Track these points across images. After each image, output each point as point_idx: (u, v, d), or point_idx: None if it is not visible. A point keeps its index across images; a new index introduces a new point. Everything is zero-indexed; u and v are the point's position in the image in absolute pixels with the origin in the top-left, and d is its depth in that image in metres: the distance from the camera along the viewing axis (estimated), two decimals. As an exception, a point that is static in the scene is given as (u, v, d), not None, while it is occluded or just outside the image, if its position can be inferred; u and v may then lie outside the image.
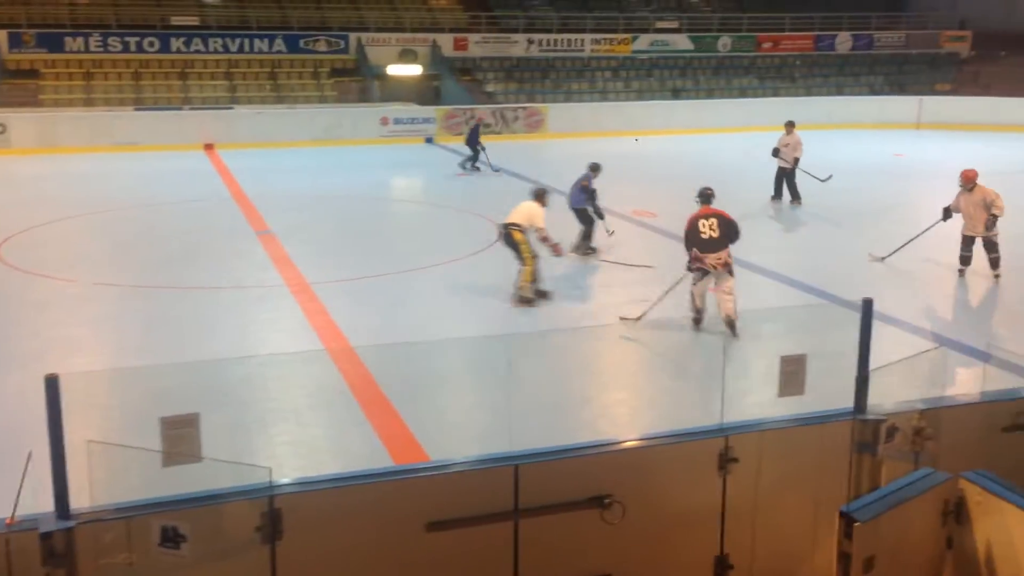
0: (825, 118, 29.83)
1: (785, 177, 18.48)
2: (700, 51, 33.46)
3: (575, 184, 14.34)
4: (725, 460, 5.27)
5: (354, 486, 4.59)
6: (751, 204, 19.06)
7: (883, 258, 13.93)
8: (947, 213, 13.33)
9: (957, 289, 13.12)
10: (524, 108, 29.31)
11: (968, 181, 13.16)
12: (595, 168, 14.44)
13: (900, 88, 33.18)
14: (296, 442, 7.87)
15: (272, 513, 4.22)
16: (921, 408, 5.37)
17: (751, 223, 17.37)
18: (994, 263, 12.95)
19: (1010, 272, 13.81)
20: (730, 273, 10.30)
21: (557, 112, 29.44)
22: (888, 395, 5.43)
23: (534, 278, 11.63)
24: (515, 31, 32.16)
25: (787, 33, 34.23)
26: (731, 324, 10.13)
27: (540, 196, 11.97)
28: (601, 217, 14.33)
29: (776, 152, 18.48)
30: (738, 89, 32.70)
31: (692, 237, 10.51)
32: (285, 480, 4.54)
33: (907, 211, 18.33)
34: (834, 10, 34.58)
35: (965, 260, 13.23)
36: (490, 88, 30.89)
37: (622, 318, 10.78)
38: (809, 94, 32.46)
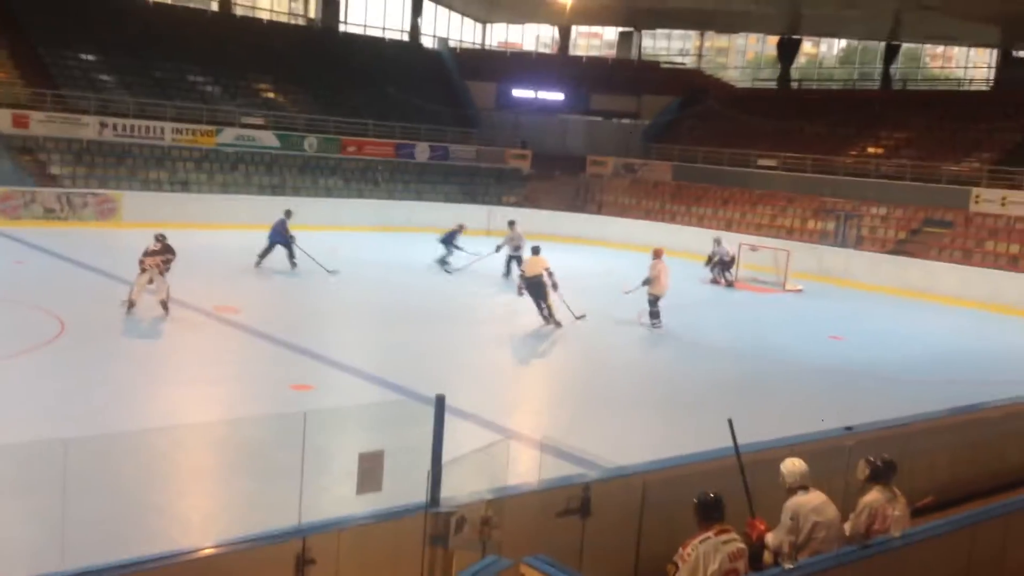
0: (405, 221, 31.42)
1: (513, 261, 22.47)
2: (287, 149, 33.71)
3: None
4: (302, 562, 5.15)
5: None
6: (339, 300, 19.38)
7: (628, 292, 18.63)
8: (646, 281, 17.99)
9: (523, 382, 14.25)
10: (95, 194, 27.34)
11: (658, 255, 18.13)
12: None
13: (472, 198, 35.93)
14: None
15: None
16: (488, 498, 5.67)
17: (332, 321, 17.67)
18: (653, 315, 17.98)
19: (568, 367, 15.35)
20: (161, 273, 15.74)
21: (133, 200, 27.82)
22: (460, 487, 5.67)
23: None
24: (85, 112, 30.07)
25: (370, 139, 35.75)
26: (164, 305, 15.61)
27: (538, 250, 18.01)
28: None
29: (499, 248, 23.10)
30: (324, 189, 33.36)
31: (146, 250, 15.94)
32: None
33: (482, 310, 19.77)
34: (413, 121, 36.86)
35: (655, 315, 17.94)
36: (55, 171, 28.43)
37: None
38: (392, 198, 34.00)
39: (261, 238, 21.97)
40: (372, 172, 35.07)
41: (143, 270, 15.80)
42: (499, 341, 16.70)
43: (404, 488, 5.60)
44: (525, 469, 8.20)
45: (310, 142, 34.24)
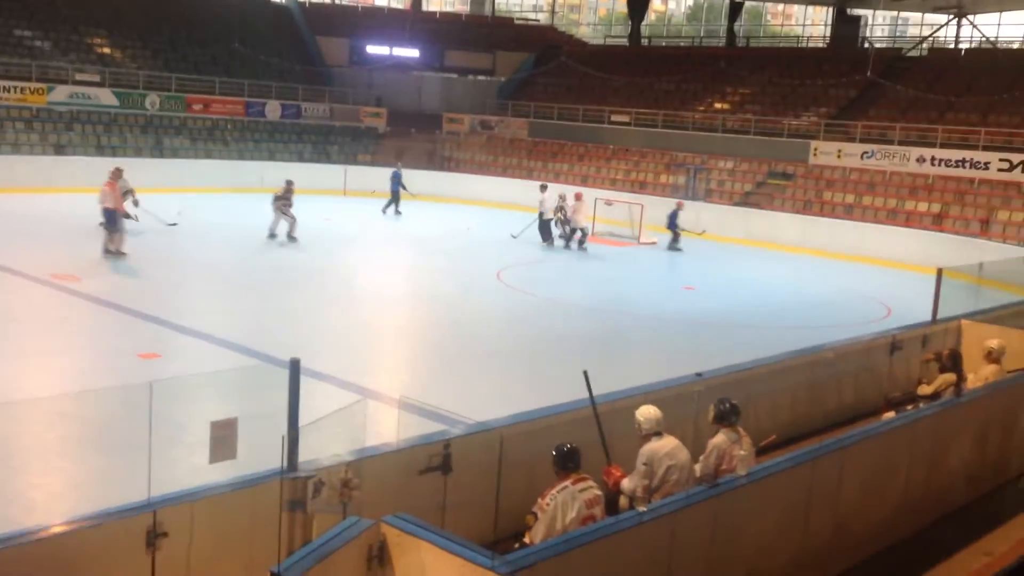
0: (258, 182, 30.47)
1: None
2: (126, 108, 32.07)
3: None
4: (154, 536, 4.98)
5: None
6: (187, 264, 18.68)
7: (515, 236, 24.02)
8: (564, 217, 24.21)
9: (381, 342, 14.16)
10: (-86, 158, 25.40)
11: (577, 198, 24.29)
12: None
13: (327, 157, 35.23)
14: None
15: None
16: (348, 460, 5.62)
17: (180, 286, 17.07)
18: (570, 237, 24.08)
19: (426, 325, 15.34)
20: (284, 214, 21.46)
21: (-42, 164, 25.98)
22: (319, 450, 5.60)
23: None
24: (-100, 69, 27.78)
25: (218, 97, 34.41)
26: (291, 236, 21.35)
27: (289, 184, 22.15)
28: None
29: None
30: (170, 149, 31.98)
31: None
32: None
33: (338, 271, 19.47)
34: (262, 79, 35.66)
35: (581, 242, 23.88)
36: None
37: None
38: (242, 158, 32.92)
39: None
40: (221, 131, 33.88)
41: (273, 211, 21.41)
42: (355, 302, 16.53)
43: (261, 455, 5.48)
44: (386, 429, 8.15)
45: (152, 100, 32.68)
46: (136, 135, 31.70)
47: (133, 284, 16.40)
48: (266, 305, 15.64)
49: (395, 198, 28.41)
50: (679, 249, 25.06)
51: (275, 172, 31.58)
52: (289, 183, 22.05)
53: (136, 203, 20.58)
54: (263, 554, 5.12)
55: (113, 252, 18.00)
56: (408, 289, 18.51)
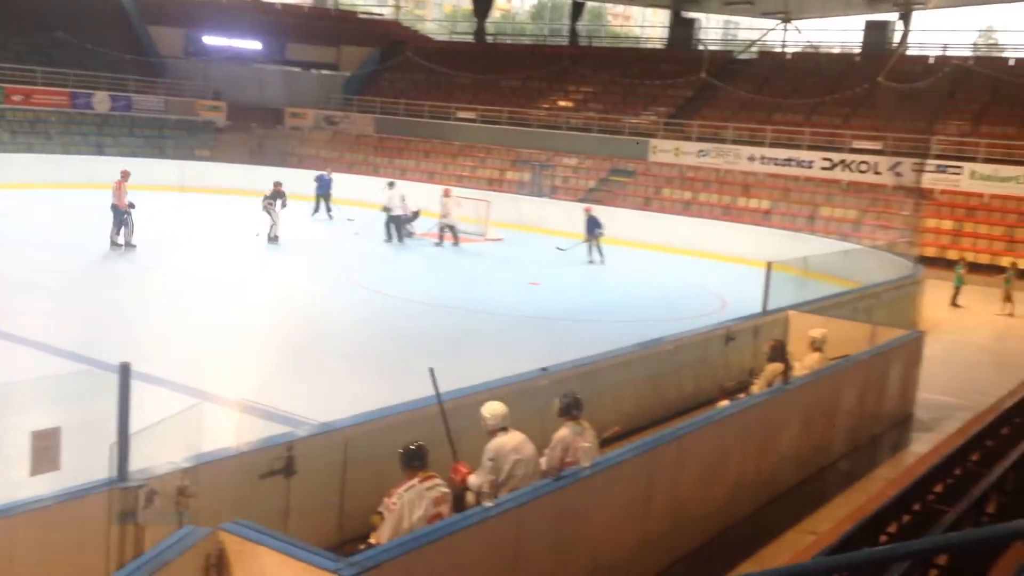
0: (86, 177, 28.88)
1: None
2: (-63, 97, 29.87)
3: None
4: (-32, 557, 4.65)
5: None
6: (8, 266, 17.53)
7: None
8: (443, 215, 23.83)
9: (222, 343, 13.66)
10: None
11: (447, 193, 24.24)
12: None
13: (161, 151, 33.79)
14: None
15: None
16: (183, 467, 5.40)
17: (5, 291, 16.01)
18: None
19: (271, 326, 14.92)
20: (268, 212, 22.01)
21: None
22: (153, 458, 5.35)
23: None
24: None
25: (40, 87, 32.43)
26: (269, 236, 21.70)
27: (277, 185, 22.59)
28: None
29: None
30: (-14, 142, 29.96)
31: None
32: None
33: (176, 271, 18.69)
34: (89, 69, 33.81)
35: (442, 236, 23.70)
36: None
37: None
38: (67, 152, 31.16)
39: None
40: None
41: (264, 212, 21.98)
42: (194, 303, 15.91)
43: (89, 465, 5.20)
44: (225, 433, 7.90)
45: (-33, 90, 30.51)
46: (-51, 127, 29.55)
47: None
48: (95, 308, 14.85)
49: (326, 202, 27.92)
50: (602, 262, 22.87)
51: (105, 167, 30.07)
52: (277, 184, 22.48)
53: None
54: (92, 569, 4.87)
55: (122, 244, 19.50)
56: (252, 289, 17.96)
